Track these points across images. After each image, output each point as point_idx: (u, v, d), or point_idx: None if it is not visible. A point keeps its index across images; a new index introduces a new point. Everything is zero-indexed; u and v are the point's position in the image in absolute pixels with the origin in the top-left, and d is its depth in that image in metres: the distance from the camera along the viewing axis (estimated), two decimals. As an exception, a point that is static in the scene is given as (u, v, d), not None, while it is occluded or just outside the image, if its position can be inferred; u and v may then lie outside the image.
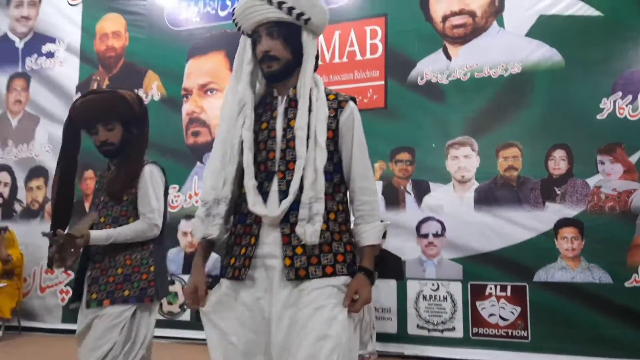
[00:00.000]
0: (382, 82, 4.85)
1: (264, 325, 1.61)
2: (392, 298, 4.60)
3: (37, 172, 6.01)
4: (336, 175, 1.70)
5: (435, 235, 4.56)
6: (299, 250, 1.61)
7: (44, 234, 2.31)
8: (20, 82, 6.26)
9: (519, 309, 4.25)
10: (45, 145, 6.00)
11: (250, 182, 1.65)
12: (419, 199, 4.65)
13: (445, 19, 4.72)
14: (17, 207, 6.03)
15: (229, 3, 5.37)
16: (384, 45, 4.88)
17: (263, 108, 1.75)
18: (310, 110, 1.66)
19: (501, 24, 4.57)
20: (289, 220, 1.62)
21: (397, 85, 4.80)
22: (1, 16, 6.46)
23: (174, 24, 5.61)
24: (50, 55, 6.14)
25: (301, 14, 1.65)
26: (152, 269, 2.37)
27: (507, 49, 4.50)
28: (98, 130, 2.38)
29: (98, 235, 2.30)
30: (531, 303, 4.22)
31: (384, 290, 4.60)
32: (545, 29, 4.41)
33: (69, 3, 6.11)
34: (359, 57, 4.94)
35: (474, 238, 4.43)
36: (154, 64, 5.66)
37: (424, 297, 4.53)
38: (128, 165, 2.40)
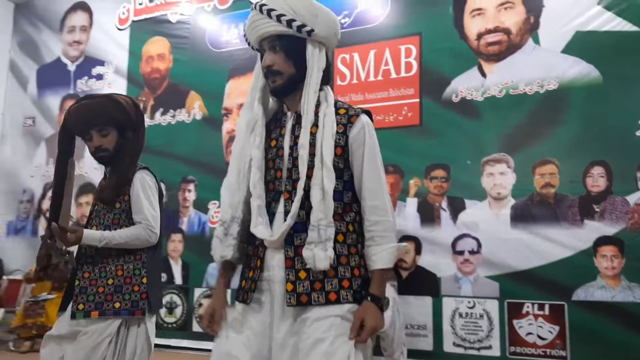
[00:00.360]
0: (417, 100, 4.90)
1: (267, 350, 1.55)
2: (427, 315, 4.60)
3: (87, 188, 6.30)
4: (347, 194, 1.62)
5: (471, 252, 4.55)
6: (302, 274, 1.53)
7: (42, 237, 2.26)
8: (72, 103, 6.59)
9: (557, 328, 4.19)
10: (94, 163, 6.27)
11: (255, 202, 1.59)
12: (454, 216, 4.65)
13: (479, 36, 4.75)
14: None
15: (267, 25, 5.55)
16: (418, 63, 4.93)
17: (274, 125, 1.71)
18: (316, 126, 1.60)
19: (537, 41, 4.55)
20: (293, 242, 1.55)
21: (431, 103, 4.84)
22: (55, 41, 6.84)
23: (215, 46, 5.83)
24: (99, 77, 6.47)
25: (302, 25, 1.60)
26: (144, 280, 2.28)
27: (543, 65, 4.48)
28: (92, 136, 2.34)
29: (91, 235, 2.21)
30: (570, 322, 4.14)
31: (419, 307, 4.61)
32: (582, 45, 4.38)
33: (117, 28, 6.43)
34: (393, 75, 5.01)
35: (511, 255, 4.39)
36: (196, 84, 5.88)
37: (460, 315, 4.51)
38: (120, 171, 2.35)
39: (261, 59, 1.69)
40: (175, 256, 5.64)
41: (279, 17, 1.59)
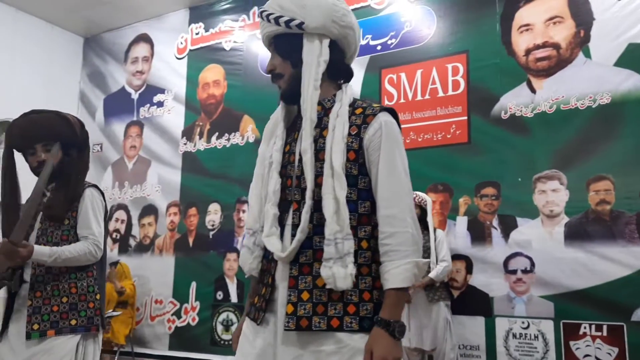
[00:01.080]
0: (465, 118, 4.88)
1: None
2: (480, 335, 4.53)
3: (149, 210, 6.63)
4: (362, 205, 1.43)
5: (524, 271, 4.46)
6: (305, 295, 1.37)
7: None
8: (135, 130, 6.99)
9: (616, 350, 4.02)
10: (155, 186, 6.62)
11: (271, 210, 1.46)
12: (506, 234, 4.58)
13: (528, 52, 4.69)
14: (132, 242, 6.67)
15: (316, 49, 5.71)
16: (466, 81, 4.92)
17: (292, 128, 1.58)
18: (325, 128, 1.45)
19: (587, 54, 4.46)
20: (298, 260, 1.40)
21: (480, 120, 4.81)
22: (120, 72, 7.29)
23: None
24: (160, 104, 6.82)
25: (290, 20, 1.48)
26: (98, 297, 2.28)
27: (595, 79, 4.37)
28: (36, 150, 2.29)
29: (41, 250, 2.15)
30: (630, 344, 3.97)
31: (472, 327, 4.55)
32: (635, 57, 4.24)
33: (176, 57, 6.78)
34: (441, 93, 5.03)
35: (565, 275, 4.27)
36: (249, 108, 6.10)
37: (514, 335, 4.41)
38: (67, 188, 2.29)
39: None
40: (231, 275, 5.83)
41: (268, 17, 1.51)
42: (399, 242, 1.38)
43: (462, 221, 4.76)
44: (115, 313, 5.72)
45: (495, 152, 4.71)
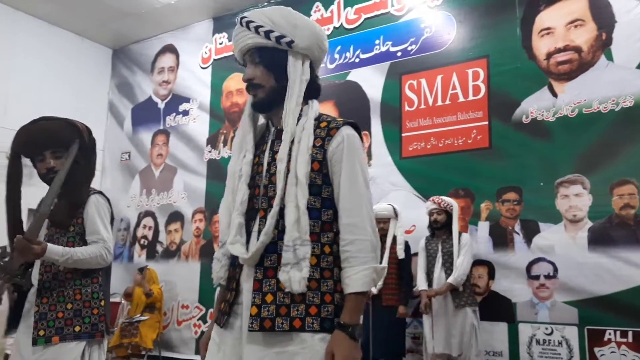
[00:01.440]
0: (486, 122, 4.87)
1: None
2: (503, 341, 4.50)
3: (175, 216, 6.77)
4: (326, 213, 1.50)
5: (547, 276, 4.42)
6: (268, 297, 1.43)
7: None
8: (162, 138, 7.15)
9: (642, 357, 3.96)
10: (181, 193, 6.76)
11: (237, 219, 1.53)
12: (528, 240, 4.54)
13: (549, 56, 4.67)
14: (159, 248, 6.82)
15: (337, 56, 5.77)
16: (486, 86, 4.92)
17: (261, 141, 1.64)
18: (293, 141, 1.52)
19: (610, 57, 4.41)
20: (263, 264, 1.47)
21: (501, 125, 4.79)
22: (147, 82, 7.47)
23: (288, 79, 6.11)
24: (185, 113, 6.97)
25: (281, 36, 1.54)
26: (102, 303, 2.27)
27: (617, 82, 4.32)
28: (45, 157, 2.28)
29: (55, 249, 2.14)
30: (656, 351, 3.91)
31: (495, 333, 4.53)
32: (659, 59, 4.19)
33: (200, 66, 6.92)
34: (461, 98, 5.03)
35: (589, 280, 4.22)
36: (271, 116, 6.17)
37: (538, 342, 4.38)
38: (72, 195, 2.28)
39: None
40: (255, 280, 5.89)
41: (257, 29, 1.55)
42: (359, 249, 1.45)
43: (483, 226, 4.74)
44: (143, 317, 5.85)
45: (517, 156, 4.68)
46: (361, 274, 1.43)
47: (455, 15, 5.18)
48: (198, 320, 6.23)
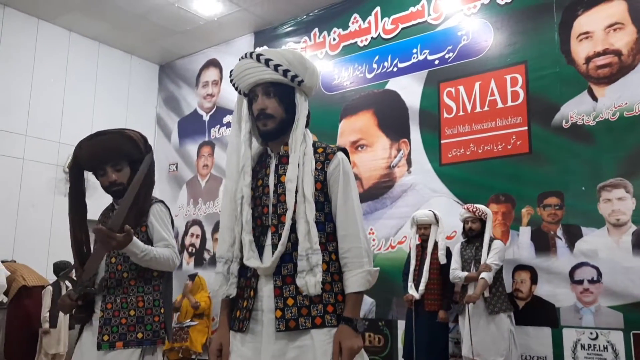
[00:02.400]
0: (526, 128, 4.89)
1: None
2: (547, 346, 4.50)
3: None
4: (328, 225, 1.74)
5: (591, 281, 4.41)
6: (290, 301, 1.65)
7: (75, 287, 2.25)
8: (207, 149, 7.42)
9: (692, 362, 3.91)
10: (226, 202, 6.98)
11: (247, 237, 1.72)
12: (571, 244, 4.54)
13: (588, 60, 4.66)
14: (206, 256, 7.07)
15: (375, 66, 5.89)
16: (525, 91, 4.94)
17: (260, 166, 1.84)
18: (298, 165, 1.73)
19: (651, 59, 4.38)
20: (281, 272, 1.68)
21: (541, 130, 4.81)
22: (192, 96, 7.77)
23: (328, 89, 6.28)
24: (229, 125, 7.21)
25: (295, 76, 1.76)
26: (162, 310, 2.35)
27: (659, 85, 4.30)
28: (106, 172, 2.37)
29: (137, 242, 2.21)
30: None
31: (538, 337, 4.54)
32: (702, 60, 4.14)
33: (243, 79, 7.14)
34: (500, 105, 5.06)
35: (635, 284, 4.19)
36: (311, 125, 6.24)
37: (582, 347, 4.37)
38: (136, 204, 2.33)
39: (249, 105, 1.82)
40: (299, 286, 6.05)
41: (276, 67, 1.75)
42: (354, 255, 1.71)
43: (525, 231, 4.76)
44: (192, 323, 6.09)
45: (558, 161, 4.69)
46: (358, 276, 1.69)
47: (492, 22, 5.23)
48: (245, 325, 6.41)
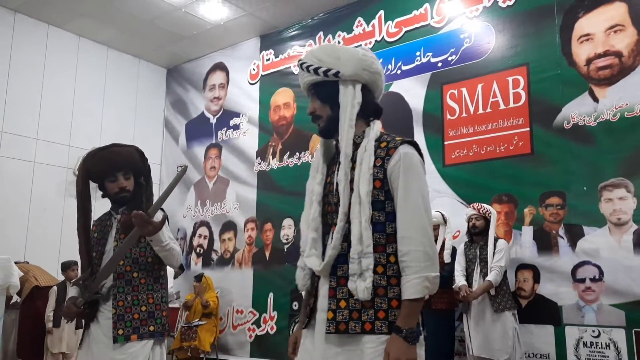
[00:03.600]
0: (527, 129, 4.96)
1: None
2: (550, 344, 4.56)
3: (228, 226, 7.11)
4: (390, 225, 1.64)
5: (593, 280, 4.46)
6: (342, 304, 1.61)
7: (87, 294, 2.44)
8: (214, 152, 7.53)
9: (692, 359, 3.96)
10: (234, 203, 7.10)
11: (310, 235, 1.72)
12: (573, 243, 4.60)
13: (589, 62, 4.72)
14: (214, 256, 7.17)
15: (379, 69, 5.97)
16: (527, 93, 5.01)
17: (332, 162, 1.83)
18: (355, 162, 1.67)
19: (651, 60, 4.44)
20: (336, 273, 1.65)
21: (542, 131, 4.87)
22: (199, 99, 7.89)
23: (333, 92, 6.35)
24: (236, 127, 7.33)
25: (327, 70, 1.72)
26: (167, 307, 2.64)
27: (659, 86, 4.35)
28: (117, 178, 2.57)
29: (163, 233, 2.43)
30: None
31: (541, 336, 4.60)
32: (701, 61, 4.20)
33: (249, 83, 7.26)
34: (502, 106, 5.13)
35: (636, 283, 4.24)
36: (314, 128, 6.41)
37: (585, 344, 4.42)
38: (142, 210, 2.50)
39: None
40: (305, 286, 6.14)
41: (308, 68, 1.76)
42: (412, 259, 1.58)
43: (527, 231, 4.83)
44: (200, 322, 6.19)
45: (559, 162, 4.75)
46: (414, 282, 1.56)
47: (494, 25, 5.30)
48: (252, 324, 6.52)
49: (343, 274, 1.63)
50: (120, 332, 2.48)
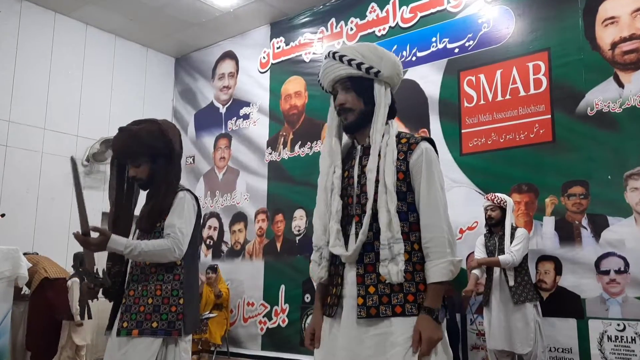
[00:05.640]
0: (549, 116, 4.80)
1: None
2: (572, 338, 4.43)
3: (239, 217, 7.00)
4: (411, 215, 1.75)
5: (618, 271, 4.31)
6: (371, 289, 1.69)
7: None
8: (224, 142, 7.40)
9: None
10: (244, 194, 6.98)
11: (335, 226, 1.77)
12: (596, 234, 4.45)
13: (614, 46, 4.55)
14: (224, 248, 7.06)
15: (393, 55, 5.81)
16: (548, 79, 4.84)
17: (347, 158, 1.89)
18: (379, 155, 1.76)
19: (680, 44, 4.27)
20: (363, 260, 1.73)
21: (565, 118, 4.71)
22: (208, 88, 7.75)
23: (346, 80, 6.21)
24: (246, 117, 7.19)
25: (370, 67, 1.79)
26: (181, 301, 2.29)
27: (689, 69, 4.18)
28: (129, 167, 2.43)
29: (118, 239, 2.20)
30: None
31: (563, 329, 4.46)
32: None
33: (259, 71, 7.12)
34: (522, 93, 4.97)
35: (664, 275, 4.10)
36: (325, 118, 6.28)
37: (609, 338, 4.28)
38: (157, 200, 2.36)
39: (334, 101, 1.87)
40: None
41: (350, 61, 1.80)
42: (436, 245, 1.70)
43: (549, 221, 4.68)
44: (211, 315, 6.09)
45: (582, 149, 4.59)
46: (440, 267, 1.68)
47: (513, 8, 5.13)
48: (263, 317, 6.42)
49: (370, 261, 1.72)
50: (125, 324, 2.26)
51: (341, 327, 1.74)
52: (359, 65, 1.79)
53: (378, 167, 1.75)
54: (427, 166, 1.75)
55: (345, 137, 1.93)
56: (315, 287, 1.93)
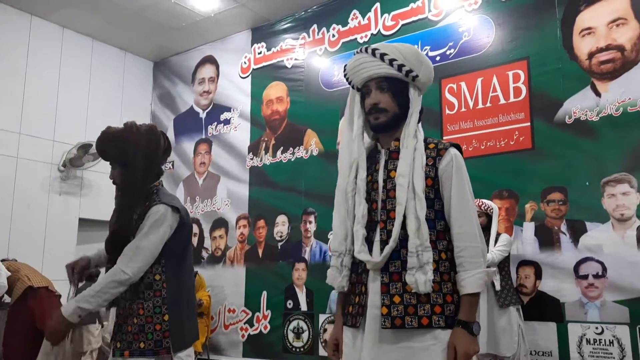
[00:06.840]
0: (528, 124, 4.89)
1: None
2: (552, 341, 4.51)
3: (219, 223, 6.95)
4: (439, 223, 1.70)
5: (596, 276, 4.42)
6: (396, 299, 1.62)
7: None
8: (204, 147, 7.35)
9: (698, 356, 3.94)
10: (225, 200, 6.94)
11: (360, 231, 1.71)
12: (575, 239, 4.55)
13: (591, 55, 4.67)
14: (204, 254, 7.00)
15: (375, 62, 5.86)
16: (527, 87, 4.94)
17: (369, 161, 1.82)
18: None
19: (654, 55, 4.40)
20: (388, 269, 1.66)
21: (544, 126, 4.81)
22: (188, 93, 7.69)
23: (327, 86, 6.24)
24: (227, 122, 7.15)
25: (410, 70, 1.74)
26: (166, 317, 2.17)
27: (663, 80, 4.31)
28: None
29: (69, 307, 2.09)
30: None
31: (544, 333, 4.54)
32: None
33: (240, 76, 7.10)
34: (502, 101, 5.06)
35: (640, 279, 4.22)
36: (312, 122, 6.31)
37: (588, 341, 4.38)
38: (117, 212, 2.26)
39: (361, 99, 1.81)
40: (300, 284, 6.03)
41: (391, 61, 1.74)
42: (471, 255, 1.66)
43: (529, 227, 4.77)
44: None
45: (561, 157, 4.69)
46: (475, 277, 1.64)
47: (493, 18, 5.22)
48: (245, 324, 6.38)
49: (396, 270, 1.66)
50: (118, 345, 2.19)
51: (365, 338, 1.67)
52: (400, 67, 1.74)
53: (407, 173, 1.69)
54: (457, 173, 1.71)
55: (365, 139, 1.86)
56: (337, 297, 1.86)
